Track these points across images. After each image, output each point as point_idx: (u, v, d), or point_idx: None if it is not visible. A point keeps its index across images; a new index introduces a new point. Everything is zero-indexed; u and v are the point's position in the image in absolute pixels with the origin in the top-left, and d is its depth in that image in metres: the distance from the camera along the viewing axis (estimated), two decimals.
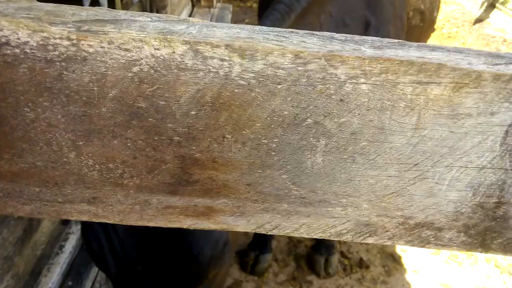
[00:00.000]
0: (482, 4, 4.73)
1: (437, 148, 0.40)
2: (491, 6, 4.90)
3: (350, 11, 1.27)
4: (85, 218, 0.46)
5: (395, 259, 2.64)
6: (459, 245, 0.48)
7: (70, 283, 1.61)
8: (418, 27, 1.88)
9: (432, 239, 0.48)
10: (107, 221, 0.46)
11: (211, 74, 0.36)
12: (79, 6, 0.37)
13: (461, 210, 0.45)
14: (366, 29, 1.38)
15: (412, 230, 0.47)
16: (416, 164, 0.42)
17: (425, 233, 0.47)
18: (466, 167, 0.42)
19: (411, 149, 0.41)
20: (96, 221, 0.46)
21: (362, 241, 0.49)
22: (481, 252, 0.50)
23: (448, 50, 0.38)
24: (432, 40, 3.88)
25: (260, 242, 2.48)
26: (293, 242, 2.67)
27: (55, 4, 0.37)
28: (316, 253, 2.52)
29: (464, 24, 4.50)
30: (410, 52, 0.37)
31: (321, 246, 2.50)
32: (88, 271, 1.66)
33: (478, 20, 4.61)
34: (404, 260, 2.63)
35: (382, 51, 0.37)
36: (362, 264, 2.59)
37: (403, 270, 2.58)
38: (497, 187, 0.43)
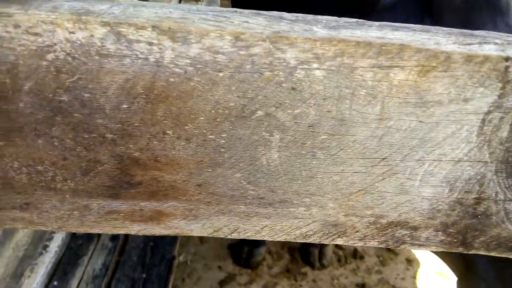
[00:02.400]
0: None
1: (405, 140, 0.36)
2: None
3: None
4: (20, 226, 0.41)
5: (390, 249, 2.61)
6: (438, 244, 0.44)
7: (55, 283, 1.57)
8: None
9: (408, 239, 0.44)
10: (45, 228, 0.41)
11: (139, 60, 0.31)
12: None
13: (437, 207, 0.40)
14: None
15: (385, 230, 0.43)
16: (384, 158, 0.37)
17: (399, 233, 0.43)
18: (440, 160, 0.37)
19: (376, 142, 0.36)
20: (33, 228, 0.42)
21: (332, 243, 0.45)
22: (462, 251, 0.45)
23: (414, 29, 0.33)
24: None
25: None
26: None
27: None
28: (310, 245, 2.49)
29: None
30: (369, 32, 0.32)
31: None
32: (74, 270, 1.62)
33: None
34: (398, 250, 2.60)
35: (336, 32, 0.32)
36: (356, 255, 2.56)
37: (397, 260, 2.56)
38: (476, 181, 0.38)
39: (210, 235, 0.43)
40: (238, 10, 0.34)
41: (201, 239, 2.52)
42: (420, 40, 0.32)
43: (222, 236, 0.43)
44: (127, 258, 1.62)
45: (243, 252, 2.44)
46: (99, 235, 1.69)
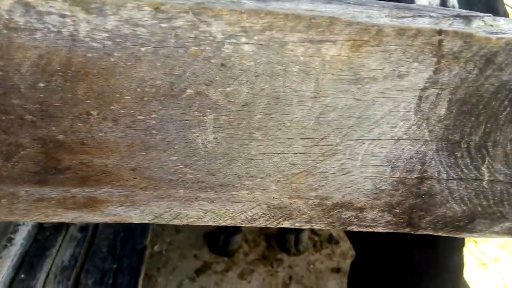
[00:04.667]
0: None
1: (343, 119, 0.35)
2: None
3: None
4: None
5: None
6: (385, 225, 0.44)
7: (22, 275, 1.53)
8: None
9: (355, 220, 0.43)
10: None
11: (52, 34, 0.29)
12: None
13: (381, 188, 0.40)
14: None
15: (331, 212, 0.42)
16: (323, 138, 0.36)
17: (345, 214, 0.42)
18: (379, 139, 0.36)
19: (314, 121, 0.35)
20: None
21: (278, 226, 0.44)
22: (410, 232, 0.45)
23: (348, 2, 0.32)
24: None
25: None
26: None
27: None
28: (286, 231, 2.50)
29: None
30: (300, 4, 0.30)
31: None
32: (42, 262, 1.58)
33: None
34: None
35: (265, 4, 0.30)
36: (332, 240, 2.59)
37: None
38: (418, 160, 0.38)
39: (152, 222, 0.41)
40: None
41: (176, 228, 2.50)
42: (351, 13, 0.30)
43: (164, 222, 0.42)
44: (97, 249, 1.59)
45: (219, 240, 2.44)
46: (67, 226, 1.65)
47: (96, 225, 1.66)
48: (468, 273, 2.51)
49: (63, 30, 0.29)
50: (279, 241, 2.53)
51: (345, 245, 2.58)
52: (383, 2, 0.32)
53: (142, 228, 1.67)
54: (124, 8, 0.29)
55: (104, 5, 0.28)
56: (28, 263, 1.56)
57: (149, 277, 2.19)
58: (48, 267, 1.57)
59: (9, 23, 0.28)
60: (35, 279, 1.52)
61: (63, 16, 0.29)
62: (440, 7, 0.33)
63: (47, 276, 1.54)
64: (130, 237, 1.62)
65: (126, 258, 1.55)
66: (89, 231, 1.65)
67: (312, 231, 2.64)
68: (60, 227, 1.67)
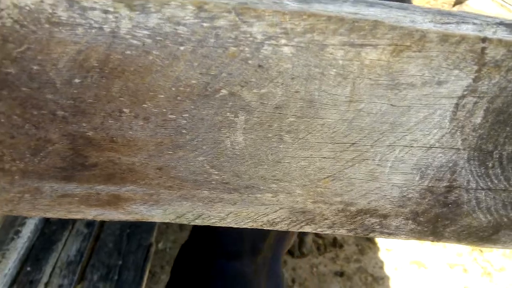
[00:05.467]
0: None
1: (376, 125, 0.34)
2: None
3: None
4: None
5: (369, 238, 2.64)
6: (408, 233, 0.43)
7: (28, 268, 1.54)
8: None
9: (377, 227, 0.42)
10: None
11: (93, 30, 0.29)
12: None
13: (407, 195, 0.39)
14: None
15: (354, 218, 0.41)
16: (354, 143, 0.35)
17: (368, 221, 0.42)
18: (411, 146, 0.36)
19: (346, 126, 0.34)
20: None
21: (300, 230, 0.43)
22: (432, 241, 0.44)
23: (390, 6, 0.31)
24: None
25: None
26: None
27: None
28: None
29: (444, 5, 4.45)
30: (343, 7, 0.30)
31: None
32: (48, 256, 1.58)
33: (458, 2, 4.57)
34: (377, 239, 2.63)
35: (308, 5, 0.30)
36: (336, 244, 2.58)
37: (376, 249, 2.59)
38: (448, 169, 0.37)
39: (173, 221, 0.41)
40: None
41: (181, 226, 2.50)
42: (394, 17, 0.30)
43: (185, 222, 0.41)
44: (103, 244, 1.59)
45: None
46: (73, 221, 1.65)
47: (103, 221, 1.66)
48: (473, 282, 2.49)
49: (104, 26, 0.29)
50: None
51: (349, 249, 2.57)
52: (426, 7, 0.32)
53: (149, 225, 1.67)
54: (168, 6, 0.28)
55: (148, 3, 0.28)
56: (34, 256, 1.56)
57: (152, 274, 2.19)
58: (54, 261, 1.57)
59: (51, 18, 0.28)
60: (41, 272, 1.52)
61: (106, 12, 0.28)
62: (481, 15, 0.32)
63: (53, 270, 1.54)
64: (137, 233, 1.62)
65: (132, 254, 1.55)
66: (96, 226, 1.65)
67: (316, 234, 2.63)
68: (67, 222, 1.67)
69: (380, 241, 2.64)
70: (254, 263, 1.02)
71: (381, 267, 2.52)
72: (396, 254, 2.59)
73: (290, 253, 2.48)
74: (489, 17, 0.33)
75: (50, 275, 1.52)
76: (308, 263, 2.49)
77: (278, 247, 1.10)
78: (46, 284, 1.51)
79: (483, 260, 2.65)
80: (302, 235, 2.48)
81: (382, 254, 2.58)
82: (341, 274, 2.47)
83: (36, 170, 0.35)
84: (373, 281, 2.48)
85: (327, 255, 2.55)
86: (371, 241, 2.63)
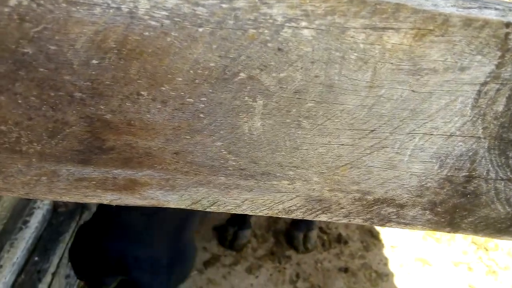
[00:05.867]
0: None
1: (396, 111, 0.34)
2: None
3: None
4: None
5: (373, 235, 2.63)
6: (424, 223, 0.43)
7: (36, 258, 1.55)
8: None
9: (394, 217, 0.42)
10: (12, 195, 0.39)
11: (111, 10, 0.28)
12: None
13: (426, 185, 0.39)
14: None
15: (371, 207, 0.41)
16: (373, 130, 0.35)
17: (385, 211, 0.41)
18: (431, 134, 0.35)
19: (366, 112, 0.34)
20: None
21: (315, 219, 0.43)
22: (449, 232, 0.44)
23: None
24: None
25: (239, 218, 2.44)
26: (272, 218, 2.64)
27: None
28: (295, 229, 2.50)
29: None
30: None
31: (301, 222, 2.48)
32: (55, 246, 1.59)
33: None
34: (382, 236, 2.63)
35: None
36: (340, 240, 2.58)
37: (381, 246, 2.58)
38: (468, 158, 0.37)
39: (188, 207, 0.41)
40: None
41: None
42: (417, 0, 0.29)
43: (200, 208, 0.41)
44: None
45: (229, 234, 2.44)
46: (81, 212, 1.66)
47: None
48: (477, 280, 2.48)
49: (122, 6, 0.28)
50: (288, 238, 2.52)
51: (354, 245, 2.56)
52: None
53: None
54: None
55: None
56: (42, 246, 1.57)
57: None
58: (61, 251, 1.58)
59: None
60: (48, 262, 1.53)
61: None
62: (504, 1, 0.32)
63: (60, 260, 1.55)
64: None
65: None
66: None
67: (321, 229, 2.63)
68: (74, 213, 1.68)
69: (385, 237, 2.64)
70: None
71: (386, 264, 2.52)
72: (401, 251, 2.58)
73: (295, 248, 2.48)
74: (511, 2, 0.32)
75: (58, 265, 1.53)
76: (313, 259, 2.49)
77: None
78: (54, 274, 1.52)
79: (488, 259, 2.64)
80: (306, 231, 2.48)
81: (387, 251, 2.57)
82: (345, 270, 2.47)
83: (54, 153, 0.35)
84: (378, 278, 2.48)
85: (332, 251, 2.55)
86: (376, 237, 2.62)
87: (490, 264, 2.61)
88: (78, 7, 0.28)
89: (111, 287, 1.08)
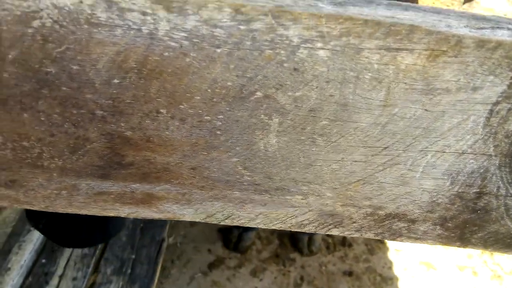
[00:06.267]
0: None
1: (409, 129, 0.34)
2: None
3: None
4: (5, 204, 0.39)
5: (378, 238, 2.63)
6: (435, 238, 0.43)
7: (43, 260, 1.56)
8: None
9: (405, 232, 0.43)
10: (32, 208, 0.40)
11: (132, 32, 0.29)
12: None
13: (437, 201, 0.39)
14: None
15: (382, 222, 0.41)
16: (386, 147, 0.36)
17: (396, 225, 0.42)
18: (443, 152, 0.36)
19: (379, 130, 0.35)
20: (19, 207, 0.40)
21: (327, 233, 0.44)
22: (459, 246, 0.44)
23: (424, 9, 0.31)
24: None
25: None
26: None
27: None
28: (299, 232, 2.50)
29: (453, 3, 4.38)
30: (378, 10, 0.30)
31: None
32: (62, 249, 1.61)
33: (468, 0, 4.51)
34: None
35: (343, 8, 0.30)
36: (345, 243, 2.58)
37: (385, 249, 2.58)
38: (479, 175, 0.37)
39: (203, 221, 0.42)
40: None
41: (192, 221, 2.51)
42: (431, 21, 0.30)
43: (215, 222, 0.42)
44: (116, 238, 1.61)
45: (233, 236, 2.45)
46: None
47: None
48: (482, 285, 2.47)
49: (143, 28, 0.29)
50: (292, 241, 2.53)
51: (359, 248, 2.57)
52: (460, 11, 0.32)
53: (162, 220, 1.68)
54: (205, 9, 0.29)
55: (186, 4, 0.29)
56: (50, 248, 1.59)
57: (163, 268, 2.21)
58: (68, 254, 1.59)
59: (91, 18, 0.29)
60: (56, 264, 1.55)
61: (144, 13, 0.29)
62: None
63: (67, 262, 1.57)
64: (150, 228, 1.64)
65: (145, 248, 1.57)
66: None
67: None
68: None
69: (390, 241, 2.63)
70: None
71: (390, 268, 2.51)
72: (406, 254, 2.58)
73: (299, 251, 2.49)
74: None
75: (65, 268, 1.54)
76: (317, 262, 2.49)
77: None
78: (61, 276, 1.53)
79: (493, 263, 2.63)
80: (311, 233, 2.49)
81: (391, 254, 2.57)
82: (350, 273, 2.47)
83: (74, 168, 0.36)
84: (382, 281, 2.48)
85: (336, 254, 2.55)
86: (380, 241, 2.62)
87: (495, 269, 2.60)
88: (99, 29, 0.29)
89: None
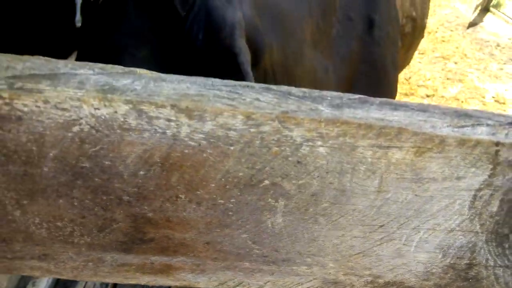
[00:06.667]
0: (476, 8, 4.69)
1: (402, 211, 0.38)
2: (485, 10, 4.86)
3: (353, 5, 1.21)
4: (37, 274, 0.43)
5: None
6: None
7: None
8: (409, 35, 1.86)
9: None
10: (61, 277, 0.44)
11: (157, 134, 0.34)
12: (16, 56, 0.35)
13: (431, 271, 0.43)
14: (370, 27, 1.31)
15: None
16: (382, 225, 0.39)
17: None
18: (434, 229, 0.39)
19: (375, 211, 0.38)
20: (49, 276, 0.44)
21: None
22: None
23: (412, 108, 0.36)
24: (426, 43, 3.82)
25: None
26: None
27: None
28: None
29: (457, 27, 4.45)
30: (370, 112, 0.35)
31: None
32: (75, 284, 1.63)
33: (472, 24, 4.57)
34: None
35: (340, 112, 0.35)
36: None
37: None
38: (468, 249, 0.41)
39: (215, 287, 0.45)
40: (250, 84, 0.37)
41: None
42: (416, 123, 0.34)
43: None
44: None
45: None
46: None
47: None
48: None
49: (167, 131, 0.34)
50: None
51: None
52: (444, 107, 0.36)
53: None
54: (221, 116, 0.34)
55: (205, 113, 0.33)
56: (62, 285, 1.61)
57: None
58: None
59: (123, 125, 0.34)
60: None
61: (169, 120, 0.34)
62: (495, 113, 0.37)
63: None
64: None
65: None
66: None
67: None
68: None
69: None
70: None
71: None
72: None
73: None
74: (502, 115, 0.37)
75: None
76: None
77: None
78: None
79: None
80: None
81: None
82: None
83: (101, 243, 0.40)
84: None
85: None
86: None
87: None
88: (130, 132, 0.34)
89: None
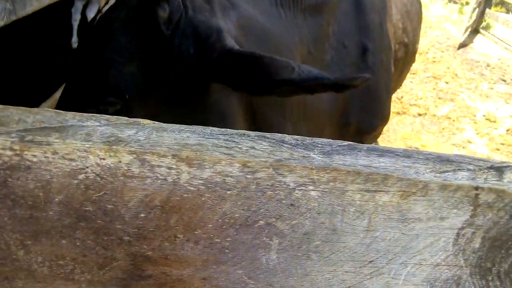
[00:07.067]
0: (466, 30, 4.81)
1: (390, 248, 0.40)
2: (475, 31, 5.00)
3: (347, 32, 1.24)
4: None
5: None
6: None
7: None
8: (402, 59, 1.91)
9: None
10: None
11: (159, 181, 0.36)
12: (27, 109, 0.37)
13: None
14: (364, 54, 1.34)
15: None
16: (371, 261, 0.41)
17: None
18: (421, 264, 0.41)
19: (364, 248, 0.40)
20: None
21: None
22: None
23: (397, 154, 0.38)
24: (418, 64, 3.90)
25: None
26: None
27: (1, 107, 0.37)
28: None
29: (448, 48, 4.55)
30: (358, 159, 0.37)
31: None
32: None
33: (462, 45, 4.69)
34: None
35: (330, 159, 0.37)
36: None
37: None
38: (453, 282, 0.43)
39: None
40: (246, 133, 0.39)
41: None
42: (401, 169, 0.37)
43: None
44: None
45: None
46: None
47: None
48: None
49: (168, 178, 0.36)
50: None
51: None
52: (427, 152, 0.39)
53: None
54: (219, 164, 0.36)
55: (204, 162, 0.35)
56: None
57: None
58: None
59: (126, 172, 0.36)
60: None
61: (170, 168, 0.36)
62: (476, 158, 0.39)
63: None
64: None
65: None
66: None
67: None
68: None
69: None
70: None
71: None
72: None
73: None
74: (482, 160, 0.39)
75: None
76: None
77: None
78: None
79: None
80: None
81: None
82: None
83: (101, 280, 0.42)
84: None
85: None
86: None
87: None
88: (133, 179, 0.36)
89: None
